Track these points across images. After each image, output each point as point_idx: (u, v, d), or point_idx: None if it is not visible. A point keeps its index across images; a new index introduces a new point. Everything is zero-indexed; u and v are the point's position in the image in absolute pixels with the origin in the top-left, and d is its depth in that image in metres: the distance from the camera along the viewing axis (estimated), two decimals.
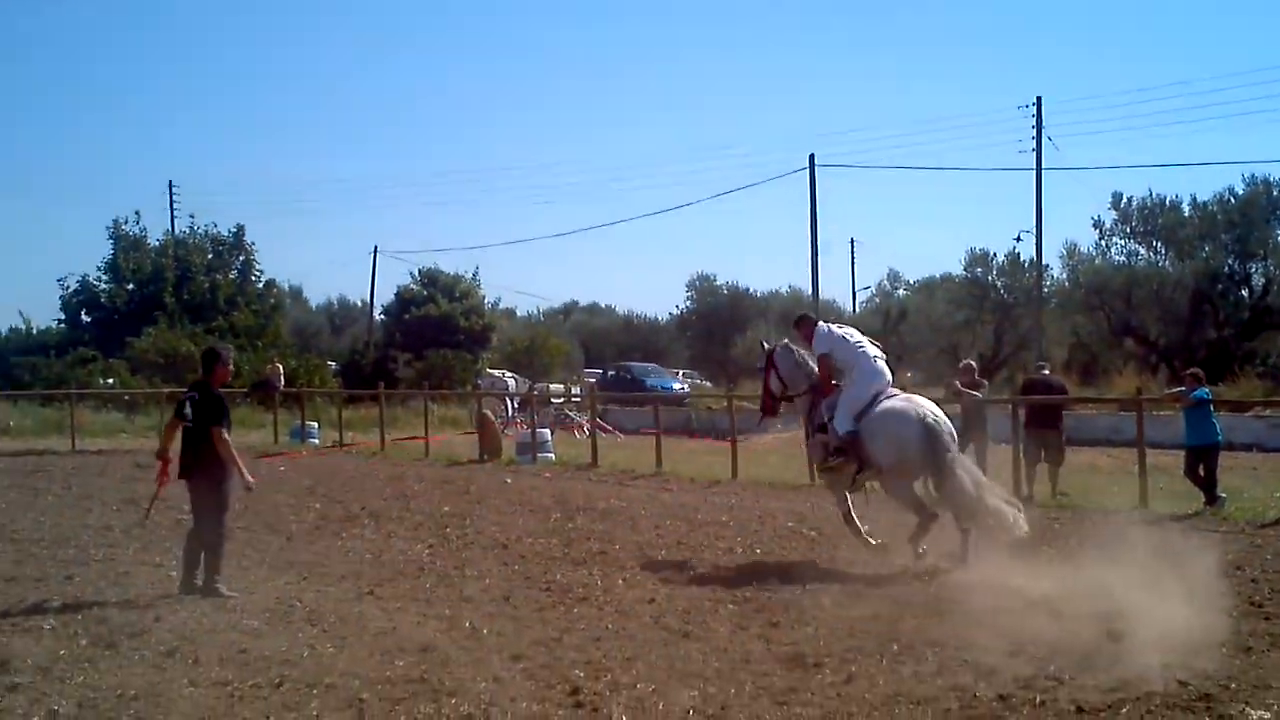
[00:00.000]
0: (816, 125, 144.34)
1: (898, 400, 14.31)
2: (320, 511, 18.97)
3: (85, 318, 65.13)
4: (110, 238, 65.79)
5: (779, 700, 8.30)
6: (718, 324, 78.47)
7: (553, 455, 29.42)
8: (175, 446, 12.61)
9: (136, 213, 68.89)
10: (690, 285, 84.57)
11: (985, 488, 14.01)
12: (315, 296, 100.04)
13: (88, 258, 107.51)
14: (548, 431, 32.31)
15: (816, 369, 14.82)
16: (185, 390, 12.92)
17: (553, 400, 45.97)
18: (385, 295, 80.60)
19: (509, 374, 55.96)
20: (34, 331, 64.23)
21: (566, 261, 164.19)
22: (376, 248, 76.74)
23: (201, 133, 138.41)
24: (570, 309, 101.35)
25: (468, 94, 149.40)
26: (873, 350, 14.63)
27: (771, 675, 9.00)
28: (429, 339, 64.77)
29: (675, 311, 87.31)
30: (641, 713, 7.93)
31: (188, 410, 12.28)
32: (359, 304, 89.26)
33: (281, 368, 43.57)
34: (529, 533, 16.41)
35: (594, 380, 54.73)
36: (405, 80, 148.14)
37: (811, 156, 56.74)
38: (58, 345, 59.92)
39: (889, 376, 14.61)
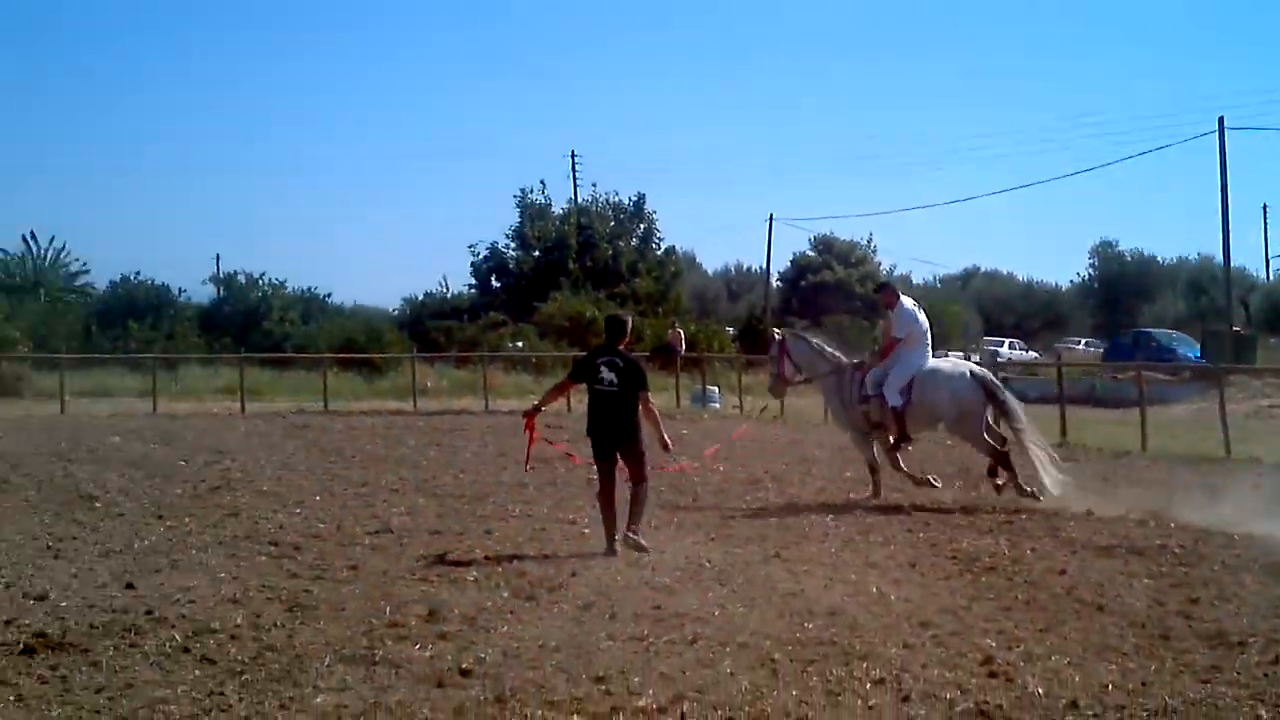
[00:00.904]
0: (1227, 87, 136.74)
1: (940, 361, 17.15)
2: (724, 474, 19.22)
3: (495, 283, 67.77)
4: (517, 206, 68.22)
5: (1202, 679, 7.93)
6: (1122, 291, 75.73)
7: None
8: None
9: (541, 182, 71.31)
10: (1093, 252, 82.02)
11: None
12: (712, 263, 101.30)
13: (498, 225, 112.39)
14: None
15: (837, 353, 17.07)
16: (592, 356, 13.06)
17: None
18: (781, 262, 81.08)
19: None
20: (448, 296, 67.15)
21: (965, 227, 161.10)
22: (772, 215, 77.20)
23: (603, 102, 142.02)
24: (969, 275, 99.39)
25: (863, 61, 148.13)
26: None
27: (1193, 653, 8.60)
28: (825, 305, 64.92)
29: (1077, 279, 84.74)
30: (1058, 685, 7.71)
31: (610, 376, 12.55)
32: (755, 270, 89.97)
33: (682, 333, 44.36)
34: (931, 501, 16.20)
35: (1100, 348, 53.45)
36: (800, 48, 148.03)
37: (1221, 119, 53.68)
38: (470, 309, 62.48)
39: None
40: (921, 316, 16.46)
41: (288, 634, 9.02)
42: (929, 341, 16.62)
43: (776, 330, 18.21)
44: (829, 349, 17.17)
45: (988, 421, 16.13)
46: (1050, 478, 15.76)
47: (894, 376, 16.11)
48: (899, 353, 16.23)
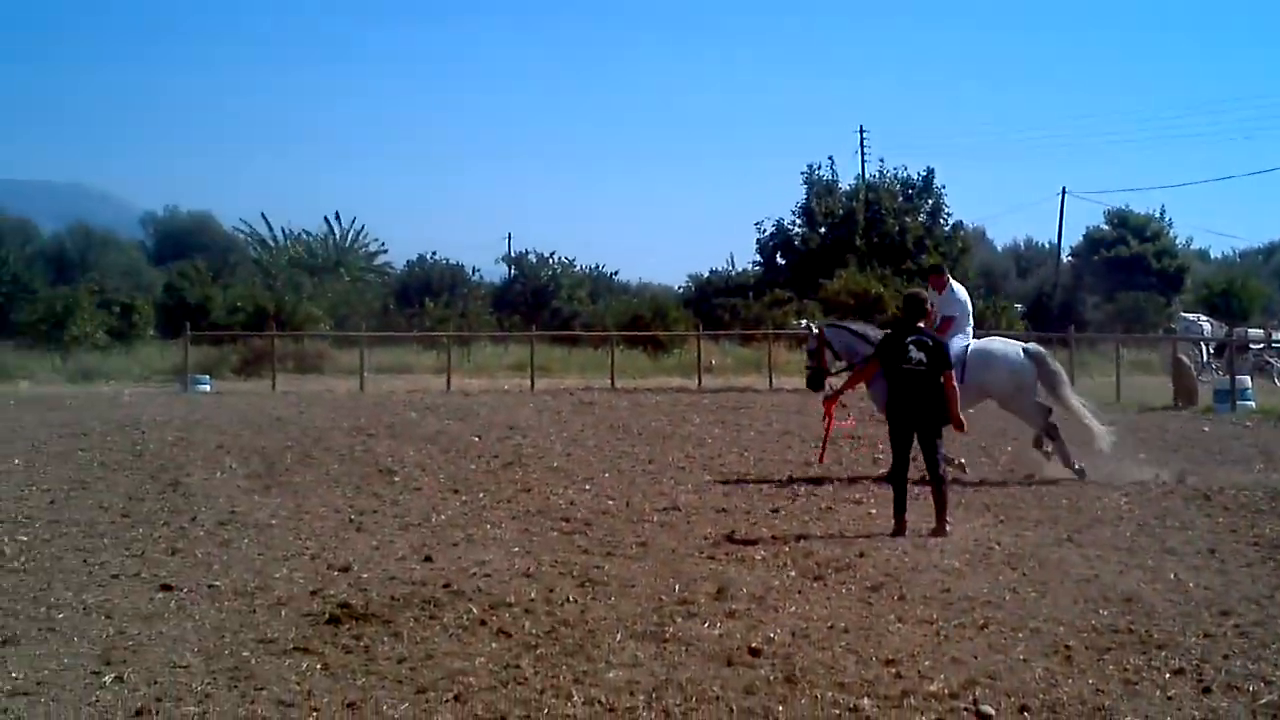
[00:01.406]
0: None
1: (990, 341, 17.60)
2: (1012, 454, 18.84)
3: (780, 260, 67.79)
4: (804, 183, 68.10)
5: None
6: None
7: (1253, 404, 27.82)
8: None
9: (829, 158, 71.09)
10: None
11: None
12: (1000, 238, 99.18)
13: (783, 202, 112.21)
14: (1247, 379, 30.56)
15: (878, 334, 16.18)
16: (898, 335, 12.80)
17: (1251, 346, 43.40)
18: (1073, 236, 78.88)
19: (1204, 318, 53.35)
20: (734, 273, 67.47)
21: (1269, 200, 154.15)
22: (1065, 189, 75.07)
23: (893, 76, 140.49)
24: (1272, 250, 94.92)
25: (1154, 30, 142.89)
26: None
27: None
28: (1119, 281, 62.98)
29: None
30: None
31: (919, 355, 12.42)
32: (1045, 246, 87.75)
33: None
34: (1230, 483, 15.60)
35: None
36: (1099, 16, 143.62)
37: None
38: (755, 286, 62.63)
39: None
40: (967, 298, 17.33)
41: (580, 609, 9.21)
42: (971, 322, 17.33)
43: (810, 324, 18.24)
44: (871, 331, 17.06)
45: (1038, 395, 16.82)
46: (1100, 435, 16.55)
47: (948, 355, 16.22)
48: (953, 337, 16.33)
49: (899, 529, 12.19)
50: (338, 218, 73.53)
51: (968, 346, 16.69)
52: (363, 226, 74.52)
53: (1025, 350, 17.03)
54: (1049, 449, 16.69)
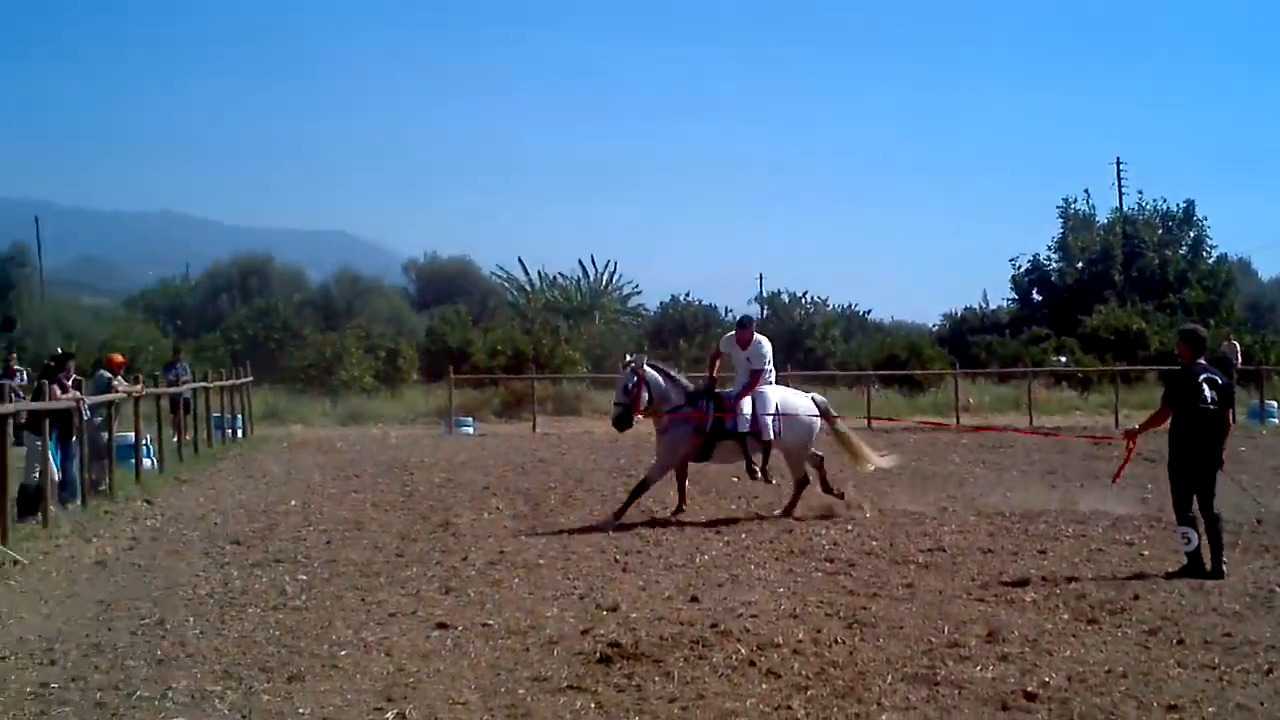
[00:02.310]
0: None
1: (788, 392, 17.85)
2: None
3: (1036, 296, 66.58)
4: (1060, 216, 66.86)
5: None
6: None
7: None
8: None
9: (1085, 191, 69.57)
10: None
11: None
12: (1267, 270, 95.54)
13: (1038, 237, 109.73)
14: None
15: (686, 382, 17.12)
16: (1193, 372, 12.27)
17: None
18: None
19: None
20: (989, 310, 66.53)
21: None
22: None
23: (1150, 107, 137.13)
24: None
25: None
26: None
27: None
28: None
29: None
30: None
31: (1212, 395, 12.02)
32: None
33: (1238, 345, 42.12)
34: None
35: None
36: None
37: None
38: (1011, 323, 61.64)
39: None
40: (770, 350, 17.14)
41: (848, 650, 9.19)
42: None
43: (629, 356, 17.55)
44: (683, 379, 17.26)
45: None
46: (875, 459, 18.01)
47: (761, 409, 16.66)
48: (762, 388, 16.78)
49: (1194, 569, 11.82)
50: (592, 261, 74.84)
51: (771, 399, 16.86)
52: (616, 268, 75.64)
53: (814, 400, 17.79)
54: (759, 469, 17.23)
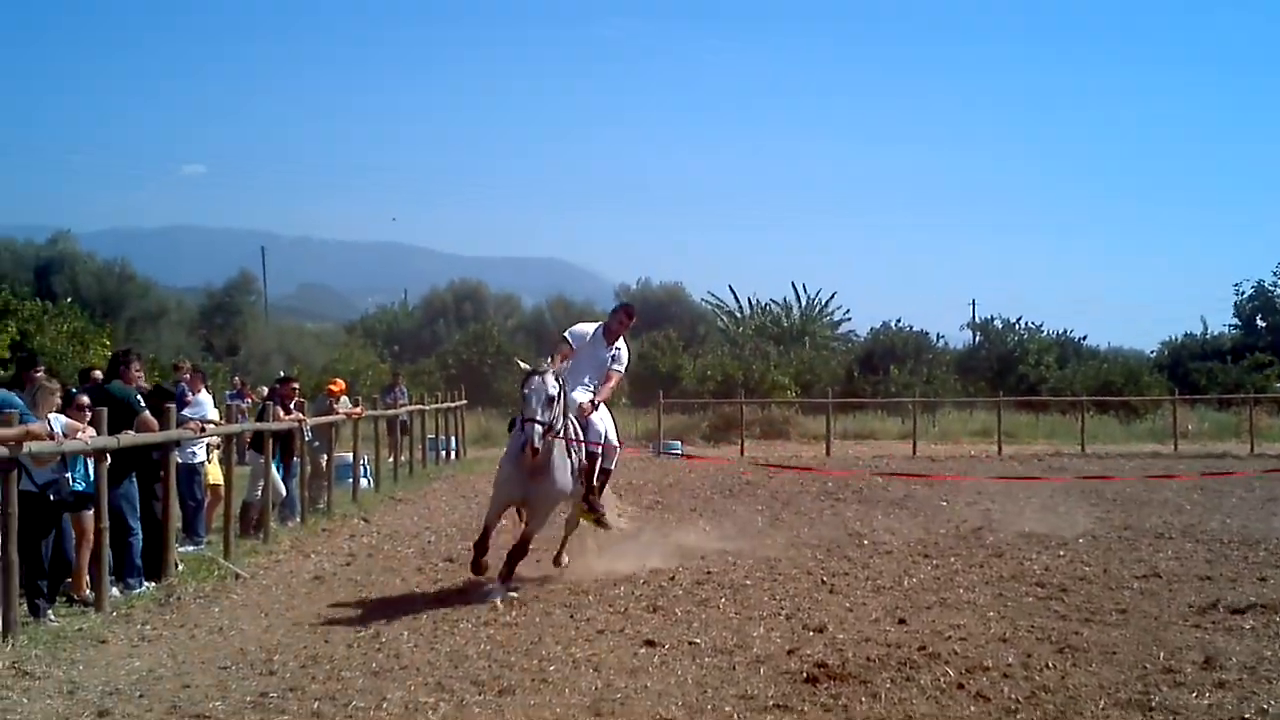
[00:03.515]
0: None
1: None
2: None
3: (1260, 322, 64.67)
4: None
5: None
6: None
7: None
8: None
9: None
10: None
11: None
12: None
13: (1264, 262, 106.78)
14: None
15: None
16: None
17: None
18: None
19: None
20: (1209, 336, 64.89)
21: None
22: None
23: None
24: None
25: None
26: None
27: None
28: None
29: None
30: None
31: None
32: None
33: None
34: None
35: None
36: None
37: None
38: (1233, 350, 59.99)
39: None
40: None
41: (1059, 675, 9.08)
42: None
43: (541, 360, 13.61)
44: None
45: None
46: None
47: (609, 419, 13.82)
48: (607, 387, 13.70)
49: None
50: (804, 287, 74.70)
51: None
52: (830, 295, 75.37)
53: None
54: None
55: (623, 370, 13.75)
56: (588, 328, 13.64)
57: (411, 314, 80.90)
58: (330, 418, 21.43)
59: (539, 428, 12.06)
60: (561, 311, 75.26)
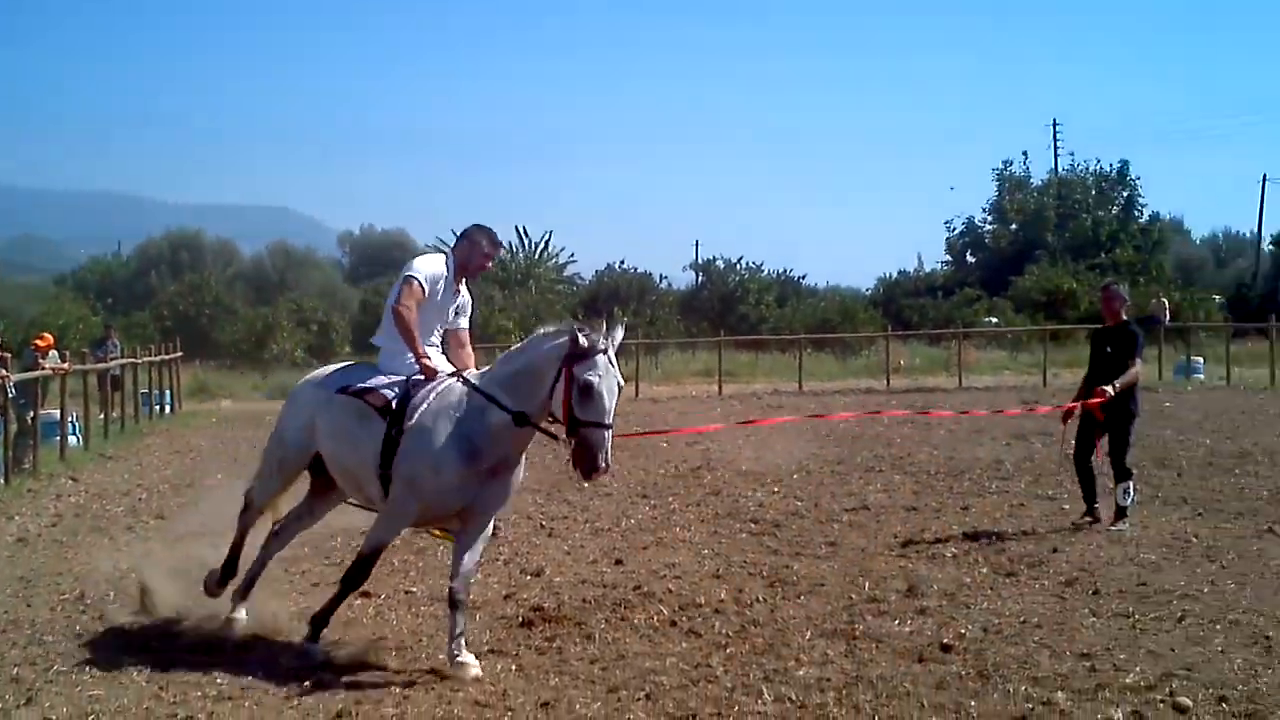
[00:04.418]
0: None
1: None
2: (1209, 447, 18.44)
3: (970, 258, 67.26)
4: (995, 179, 67.52)
5: None
6: None
7: None
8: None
9: (1024, 154, 70.36)
10: None
11: None
12: (1198, 228, 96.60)
13: (975, 200, 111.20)
14: None
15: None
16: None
17: None
18: (1275, 224, 76.45)
19: None
20: (923, 273, 67.14)
21: None
22: (1265, 176, 72.76)
23: (1088, 67, 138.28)
24: None
25: None
26: None
27: None
28: None
29: None
30: None
31: None
32: (1246, 235, 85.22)
33: (1166, 303, 42.63)
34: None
35: None
36: None
37: None
38: (944, 286, 62.18)
39: None
40: None
41: (769, 609, 9.25)
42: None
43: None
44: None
45: None
46: None
47: None
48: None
49: (1091, 514, 12.10)
50: (526, 232, 74.45)
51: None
52: (551, 237, 75.25)
53: None
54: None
55: (468, 327, 9.28)
56: (439, 264, 8.95)
57: (126, 264, 78.20)
58: (36, 373, 20.56)
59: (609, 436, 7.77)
60: (282, 259, 73.80)
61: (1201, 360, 37.76)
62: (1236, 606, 8.87)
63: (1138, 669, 7.36)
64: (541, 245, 74.70)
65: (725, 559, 11.19)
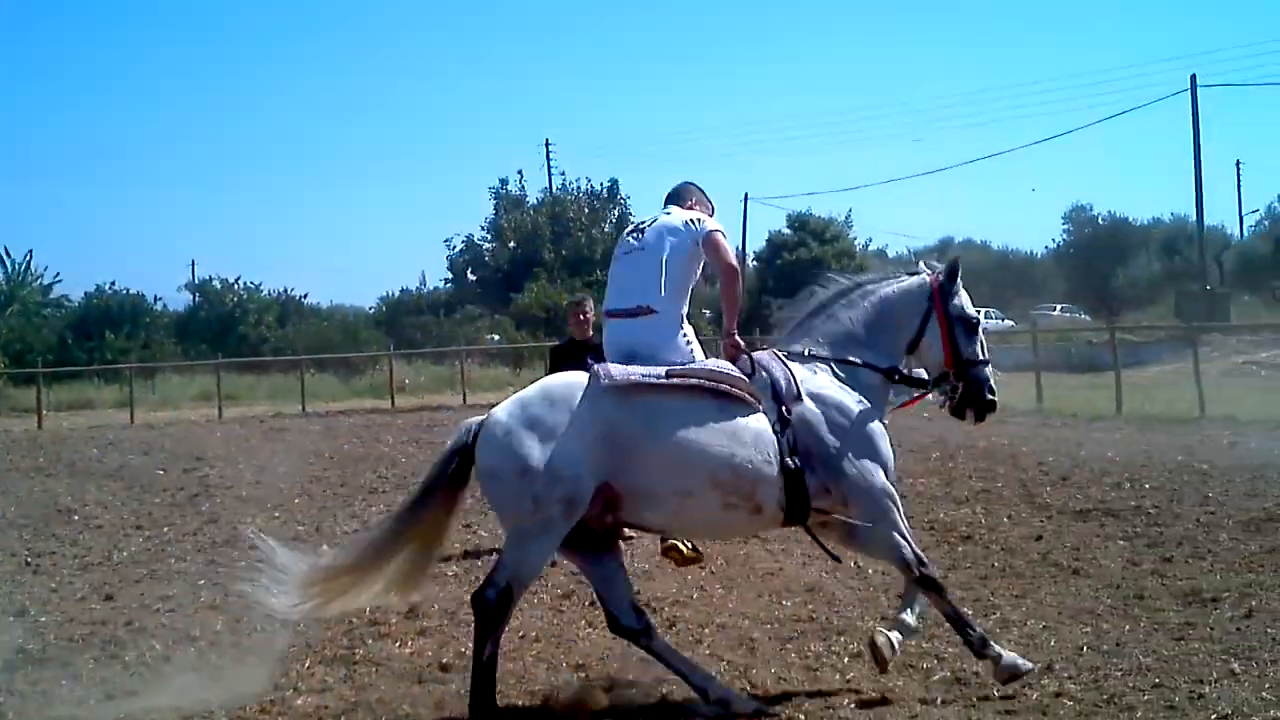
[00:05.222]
0: (1197, 44, 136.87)
1: None
2: None
3: (471, 276, 68.01)
4: (493, 198, 68.54)
5: (1175, 636, 8.04)
6: (1096, 256, 75.48)
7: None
8: None
9: (519, 172, 71.68)
10: (1067, 217, 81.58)
11: None
12: None
13: (475, 218, 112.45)
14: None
15: None
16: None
17: None
18: (757, 241, 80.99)
19: None
20: (425, 292, 67.41)
21: (940, 199, 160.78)
22: (747, 195, 77.02)
23: (578, 90, 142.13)
24: (945, 246, 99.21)
25: (830, 33, 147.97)
26: None
27: (1166, 611, 8.74)
28: (800, 283, 64.94)
29: (1051, 245, 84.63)
30: (1033, 649, 7.77)
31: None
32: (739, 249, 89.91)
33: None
34: (909, 473, 16.23)
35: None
36: (767, 21, 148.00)
37: (1193, 77, 54.17)
38: (446, 304, 62.68)
39: None
40: None
41: (268, 637, 9.03)
42: None
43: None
44: None
45: None
46: None
47: None
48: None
49: None
50: (6, 252, 70.15)
51: None
52: (31, 256, 71.09)
53: None
54: None
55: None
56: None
57: None
58: None
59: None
60: None
61: None
62: (724, 610, 9.33)
63: (630, 677, 7.61)
64: (23, 265, 70.64)
65: (223, 589, 10.85)
